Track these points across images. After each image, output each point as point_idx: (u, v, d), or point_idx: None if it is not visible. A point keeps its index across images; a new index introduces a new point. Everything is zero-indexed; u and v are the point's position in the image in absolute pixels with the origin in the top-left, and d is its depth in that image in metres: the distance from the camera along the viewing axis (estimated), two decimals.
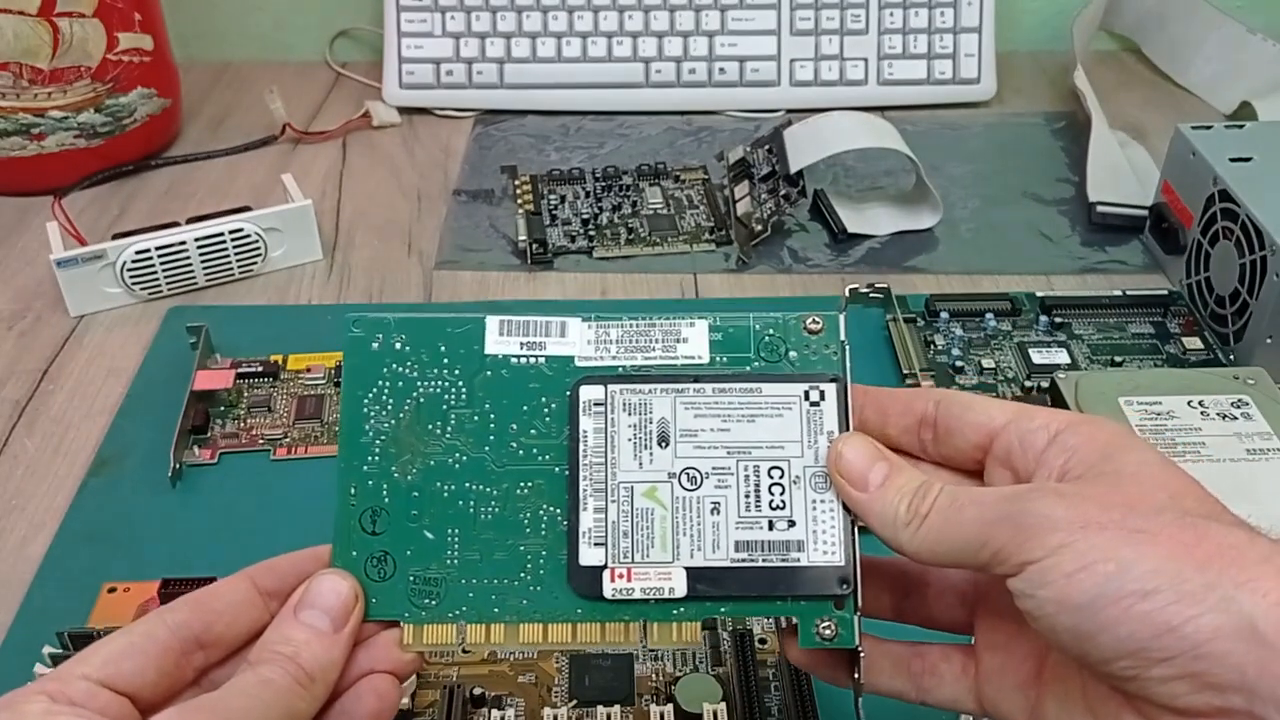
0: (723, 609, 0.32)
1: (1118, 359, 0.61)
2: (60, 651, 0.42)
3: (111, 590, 0.48)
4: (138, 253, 0.65)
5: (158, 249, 0.65)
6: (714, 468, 0.32)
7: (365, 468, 0.33)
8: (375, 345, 0.34)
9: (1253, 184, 0.60)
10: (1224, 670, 0.25)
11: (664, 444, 0.33)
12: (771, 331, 0.34)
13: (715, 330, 0.34)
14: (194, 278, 0.67)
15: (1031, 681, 0.32)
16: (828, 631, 0.32)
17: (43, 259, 0.68)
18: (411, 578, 0.32)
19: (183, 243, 0.66)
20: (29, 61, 0.73)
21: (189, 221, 0.67)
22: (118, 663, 0.30)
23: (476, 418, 0.33)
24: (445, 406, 0.33)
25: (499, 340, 0.34)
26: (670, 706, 0.41)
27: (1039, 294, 0.65)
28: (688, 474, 0.32)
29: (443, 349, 0.34)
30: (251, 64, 0.95)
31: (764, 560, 0.32)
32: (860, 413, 0.34)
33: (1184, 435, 0.50)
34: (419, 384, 0.33)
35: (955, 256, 0.71)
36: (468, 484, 0.33)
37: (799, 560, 0.32)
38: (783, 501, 0.32)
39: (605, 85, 0.87)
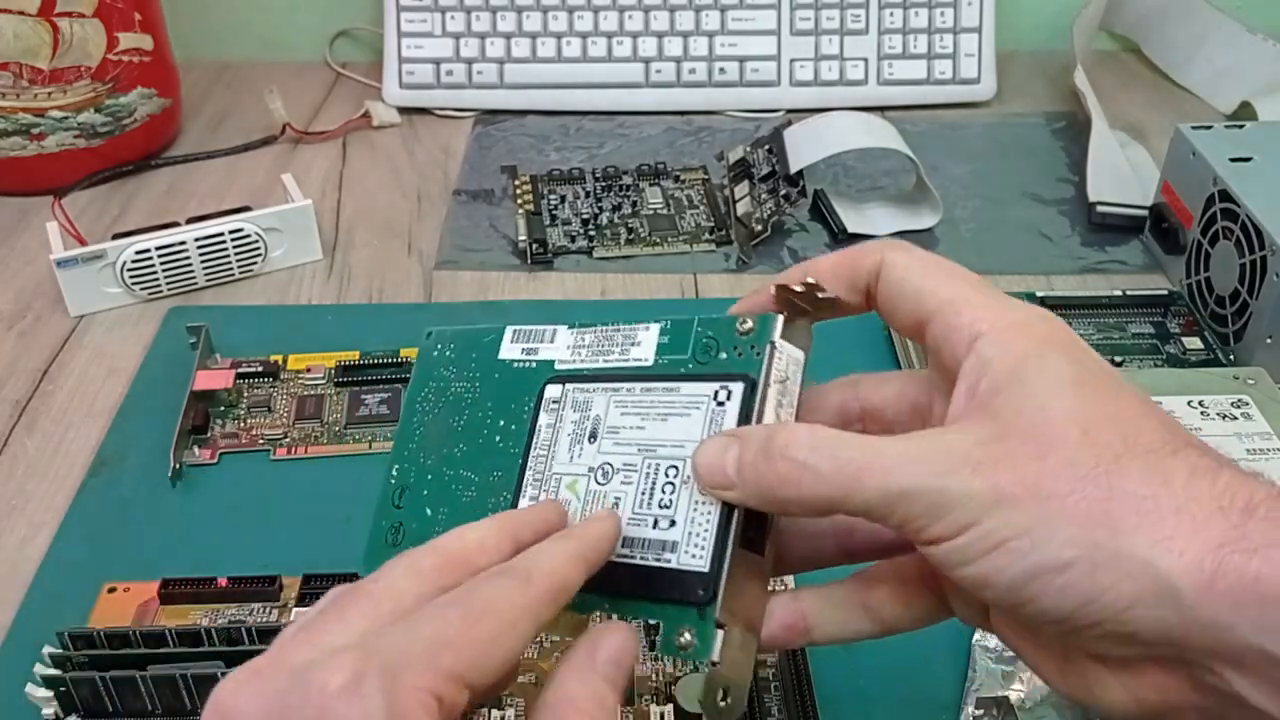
0: (603, 605, 0.32)
1: (1118, 359, 0.61)
2: (60, 652, 0.42)
3: (111, 590, 0.48)
4: (138, 253, 0.65)
5: (158, 249, 0.65)
6: (624, 464, 0.33)
7: (405, 452, 0.38)
8: (435, 353, 0.39)
9: (1253, 184, 0.60)
10: (1149, 631, 0.26)
11: (592, 439, 0.34)
12: (710, 333, 0.33)
13: (664, 333, 0.34)
14: (194, 278, 0.67)
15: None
16: (684, 639, 0.30)
17: (43, 259, 0.68)
18: (410, 546, 0.34)
19: (183, 243, 0.66)
20: (29, 61, 0.73)
21: (189, 221, 0.67)
22: (497, 674, 0.27)
23: (480, 414, 0.36)
24: (463, 404, 0.37)
25: (509, 347, 0.37)
26: (670, 706, 0.41)
27: (1039, 294, 0.65)
28: (603, 469, 0.33)
29: (473, 356, 0.38)
30: (251, 64, 0.95)
31: (640, 558, 0.31)
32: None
33: None
34: (453, 384, 0.38)
35: (955, 256, 0.69)
36: (461, 470, 0.36)
37: (669, 561, 0.31)
38: (670, 500, 0.32)
39: (605, 85, 0.87)
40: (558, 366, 0.36)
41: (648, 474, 0.32)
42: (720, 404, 0.32)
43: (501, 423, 0.36)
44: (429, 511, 0.36)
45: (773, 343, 0.31)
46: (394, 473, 0.38)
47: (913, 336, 0.31)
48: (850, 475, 0.27)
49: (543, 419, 0.35)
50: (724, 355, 0.32)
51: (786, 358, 0.32)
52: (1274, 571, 0.24)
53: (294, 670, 0.26)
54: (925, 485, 0.27)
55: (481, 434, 0.36)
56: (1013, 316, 0.29)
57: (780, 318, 0.32)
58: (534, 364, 0.36)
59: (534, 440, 0.35)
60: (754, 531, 0.31)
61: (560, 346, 0.36)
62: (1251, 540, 0.25)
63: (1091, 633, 0.26)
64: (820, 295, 0.32)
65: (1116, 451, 0.26)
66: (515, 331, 0.37)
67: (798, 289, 0.32)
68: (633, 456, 0.33)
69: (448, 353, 0.38)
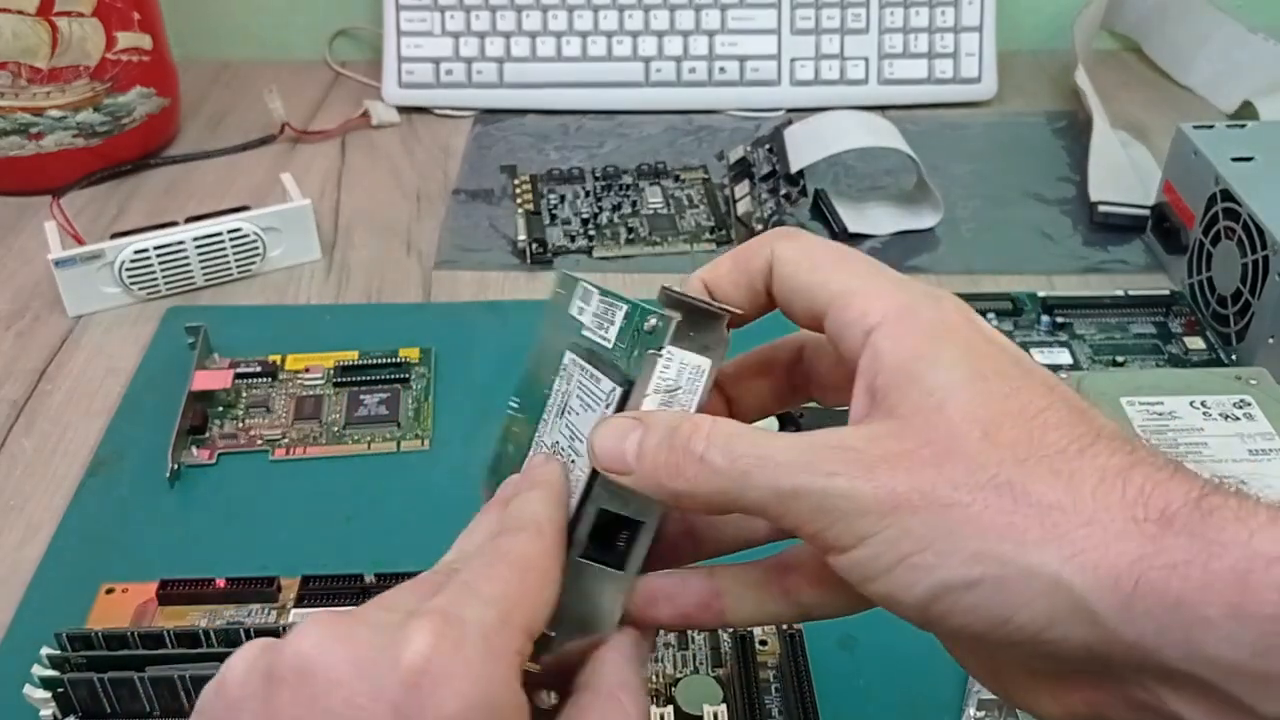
0: None
1: (1120, 359, 0.61)
2: (58, 653, 0.42)
3: (110, 591, 0.48)
4: (136, 252, 0.65)
5: (156, 249, 0.65)
6: (563, 448, 0.32)
7: (521, 386, 0.36)
8: (555, 295, 0.37)
9: (1254, 183, 0.60)
10: (1069, 650, 0.24)
11: (561, 415, 0.33)
12: (637, 327, 0.31)
13: (626, 316, 0.33)
14: (192, 277, 0.67)
15: None
16: None
17: (41, 259, 0.67)
18: (496, 479, 0.35)
19: (181, 242, 0.66)
20: (27, 61, 0.73)
21: (187, 221, 0.67)
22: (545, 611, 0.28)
23: (548, 363, 0.35)
24: (547, 351, 0.36)
25: (574, 303, 0.35)
26: (670, 708, 0.41)
27: (1041, 294, 0.65)
28: (554, 448, 0.33)
29: (561, 304, 0.36)
30: (250, 63, 0.95)
31: None
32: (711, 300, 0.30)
33: (1186, 436, 0.50)
34: (550, 329, 0.36)
35: (956, 256, 0.71)
36: (527, 415, 0.35)
37: None
38: None
39: (605, 84, 0.86)
40: (582, 332, 0.34)
41: (566, 465, 0.32)
42: (608, 406, 0.30)
43: (551, 378, 0.35)
44: (510, 448, 0.36)
45: (660, 349, 0.29)
46: (513, 403, 0.37)
47: (815, 329, 0.29)
48: (741, 471, 0.26)
49: (557, 384, 0.34)
50: (636, 353, 0.30)
51: (677, 366, 0.29)
52: (1194, 594, 0.23)
53: (377, 627, 0.25)
54: (810, 485, 0.25)
55: (542, 383, 0.35)
56: (901, 304, 0.27)
57: (675, 321, 0.29)
58: (576, 323, 0.35)
59: (547, 404, 0.34)
60: (624, 540, 0.30)
61: (590, 311, 0.35)
62: (1169, 555, 0.23)
63: (1010, 652, 0.25)
64: (715, 310, 0.29)
65: (1020, 455, 0.25)
66: (584, 289, 0.35)
67: (688, 297, 0.30)
68: (565, 442, 0.32)
69: (559, 297, 0.37)
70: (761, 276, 0.30)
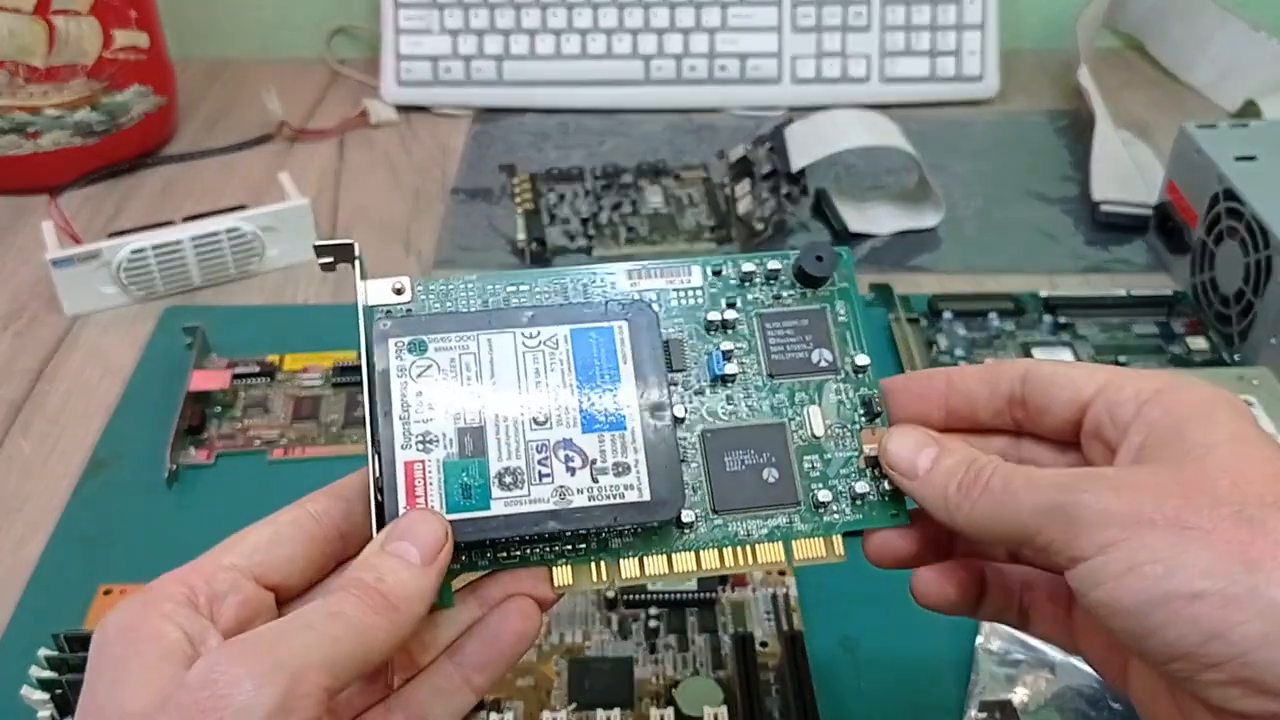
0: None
1: (1122, 359, 0.60)
2: (55, 654, 0.41)
3: (107, 592, 0.48)
4: (133, 252, 0.64)
5: (154, 248, 0.65)
6: None
7: None
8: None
9: (1258, 183, 0.60)
10: (1275, 678, 0.25)
11: None
12: None
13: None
14: (190, 277, 0.67)
15: (1119, 649, 0.32)
16: None
17: (38, 258, 0.67)
18: None
19: (179, 242, 0.65)
20: (24, 59, 0.72)
21: (185, 220, 0.67)
22: (267, 551, 0.30)
23: None
24: None
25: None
26: (670, 709, 0.41)
27: (1043, 293, 0.65)
28: None
29: None
30: (248, 61, 0.95)
31: None
32: (947, 402, 0.34)
33: None
34: None
35: (958, 255, 0.71)
36: None
37: None
38: None
39: (604, 83, 0.86)
40: None
41: None
42: None
43: None
44: None
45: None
46: None
47: (1066, 424, 0.32)
48: (1010, 493, 0.29)
49: None
50: None
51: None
52: None
53: None
54: (1064, 499, 0.28)
55: None
56: (1174, 382, 0.30)
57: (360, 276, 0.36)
58: None
59: None
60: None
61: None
62: None
63: (1214, 675, 0.26)
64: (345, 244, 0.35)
65: (1266, 500, 0.27)
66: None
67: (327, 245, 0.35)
68: None
69: None
70: (1009, 382, 0.33)
